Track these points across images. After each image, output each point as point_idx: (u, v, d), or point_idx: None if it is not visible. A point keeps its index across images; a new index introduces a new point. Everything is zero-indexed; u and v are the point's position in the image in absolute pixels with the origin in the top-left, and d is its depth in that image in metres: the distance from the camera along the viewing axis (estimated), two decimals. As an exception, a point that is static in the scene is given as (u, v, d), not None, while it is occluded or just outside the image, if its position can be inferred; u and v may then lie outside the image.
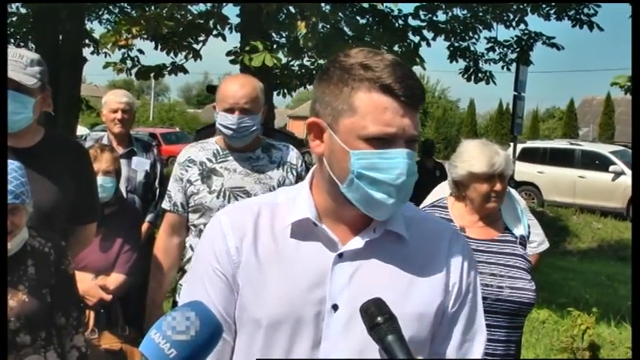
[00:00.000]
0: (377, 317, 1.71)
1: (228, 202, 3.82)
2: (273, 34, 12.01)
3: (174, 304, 4.13)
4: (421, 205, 4.14)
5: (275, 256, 1.88)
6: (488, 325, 3.47)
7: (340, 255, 1.87)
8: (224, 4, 11.90)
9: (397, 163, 1.76)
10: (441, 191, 5.13)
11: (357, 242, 1.87)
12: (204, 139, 4.21)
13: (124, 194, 5.28)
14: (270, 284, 1.86)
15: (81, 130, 17.22)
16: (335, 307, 1.84)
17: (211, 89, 4.64)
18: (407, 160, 1.77)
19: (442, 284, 1.92)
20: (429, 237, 1.96)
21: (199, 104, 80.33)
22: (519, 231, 3.74)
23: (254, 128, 3.87)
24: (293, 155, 4.05)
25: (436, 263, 1.93)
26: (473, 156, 3.65)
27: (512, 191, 5.17)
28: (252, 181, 3.89)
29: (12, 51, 3.33)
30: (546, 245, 5.07)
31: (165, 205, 4.05)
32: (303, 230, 1.90)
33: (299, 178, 3.99)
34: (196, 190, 3.90)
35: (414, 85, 1.79)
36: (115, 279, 4.29)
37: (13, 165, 2.96)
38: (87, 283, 4.10)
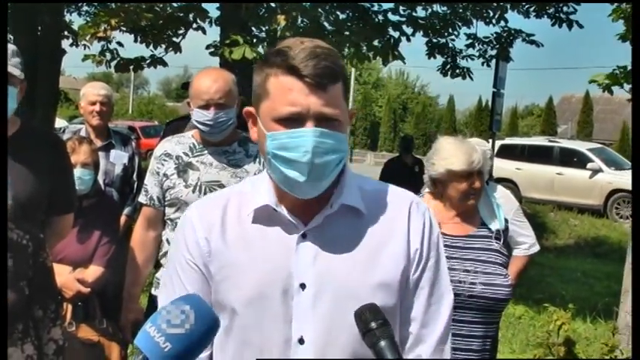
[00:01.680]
0: (371, 323, 1.74)
1: (204, 196, 3.81)
2: (253, 29, 11.96)
3: (151, 297, 4.13)
4: None
5: (242, 242, 1.96)
6: (462, 321, 3.52)
7: (303, 235, 1.94)
8: (203, -1, 11.85)
9: (303, 142, 1.83)
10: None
11: (317, 220, 1.95)
12: (174, 131, 4.20)
13: (102, 187, 5.26)
14: (239, 269, 1.94)
15: (59, 122, 17.08)
16: (302, 286, 1.91)
17: (186, 86, 4.67)
18: (313, 138, 1.82)
19: (404, 252, 1.98)
20: (388, 208, 2.02)
21: (179, 98, 79.77)
22: (495, 225, 3.72)
23: (230, 122, 3.88)
24: None
25: (396, 232, 1.99)
26: (451, 154, 3.63)
27: (506, 191, 5.21)
28: (228, 175, 3.89)
29: None
30: (537, 248, 5.12)
31: (142, 199, 4.04)
32: (265, 216, 1.98)
33: None
34: (172, 184, 3.90)
35: (318, 64, 1.83)
36: (93, 272, 4.27)
37: None
38: (64, 276, 4.09)
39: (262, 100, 1.90)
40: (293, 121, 1.83)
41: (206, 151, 3.94)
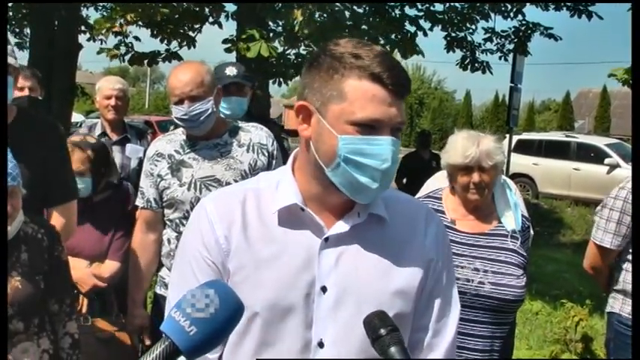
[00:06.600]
0: (380, 329, 1.75)
1: (200, 193, 3.74)
2: (270, 23, 11.95)
3: (156, 296, 4.11)
4: (416, 195, 4.12)
5: (264, 241, 1.94)
6: (469, 320, 3.46)
7: (326, 239, 1.94)
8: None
9: (383, 149, 1.84)
10: (436, 182, 5.13)
11: (342, 226, 1.94)
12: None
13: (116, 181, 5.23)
14: (261, 269, 1.92)
15: (76, 117, 17.19)
16: (324, 289, 1.92)
17: None
18: (392, 147, 1.85)
19: (422, 261, 2.01)
20: (406, 217, 2.05)
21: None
22: (510, 225, 3.65)
23: (208, 113, 3.78)
24: (262, 135, 3.95)
25: (415, 242, 2.02)
26: (451, 147, 3.67)
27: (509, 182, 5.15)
28: (222, 169, 3.81)
29: None
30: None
31: (139, 202, 4.00)
32: (290, 216, 1.95)
33: (271, 157, 3.91)
34: (167, 184, 3.84)
35: (401, 75, 1.86)
36: (109, 267, 4.26)
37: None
38: (81, 270, 4.08)
39: (333, 100, 1.85)
40: (370, 127, 1.83)
41: (197, 147, 3.87)
